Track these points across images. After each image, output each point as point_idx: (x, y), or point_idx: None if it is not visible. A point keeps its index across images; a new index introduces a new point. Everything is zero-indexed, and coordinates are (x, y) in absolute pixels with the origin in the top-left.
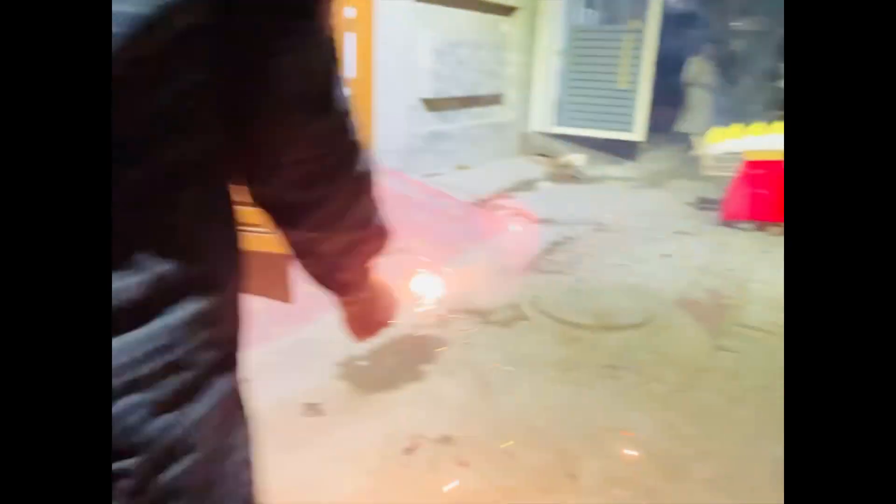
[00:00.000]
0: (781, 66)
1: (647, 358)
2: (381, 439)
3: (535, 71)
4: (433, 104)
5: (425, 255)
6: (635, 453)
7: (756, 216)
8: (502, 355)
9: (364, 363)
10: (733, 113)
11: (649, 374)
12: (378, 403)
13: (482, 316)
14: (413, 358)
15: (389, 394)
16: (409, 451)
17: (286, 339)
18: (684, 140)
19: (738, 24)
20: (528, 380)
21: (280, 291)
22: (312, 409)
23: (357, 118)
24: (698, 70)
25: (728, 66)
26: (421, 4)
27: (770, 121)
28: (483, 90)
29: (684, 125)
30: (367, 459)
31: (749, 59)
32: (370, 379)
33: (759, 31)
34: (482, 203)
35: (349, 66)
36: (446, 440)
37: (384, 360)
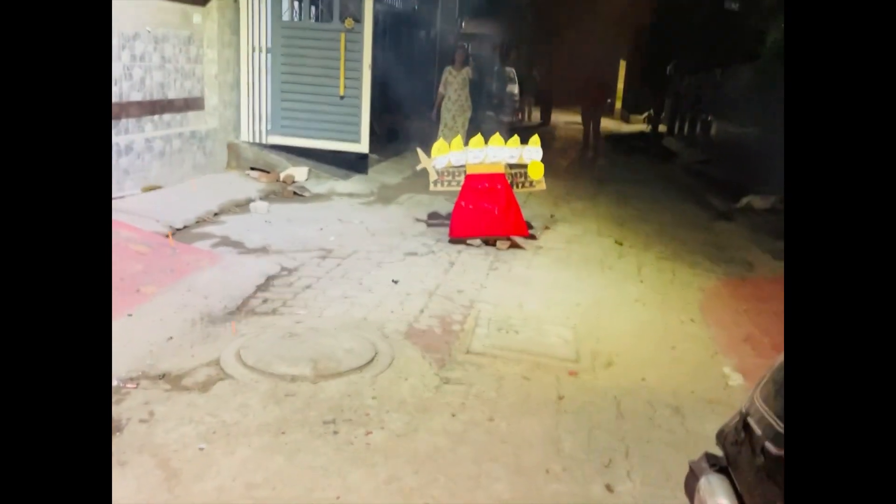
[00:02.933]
0: (512, 70)
1: (371, 404)
2: None
3: (242, 71)
4: None
5: None
6: None
7: (482, 232)
8: (196, 429)
9: None
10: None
11: (373, 423)
12: None
13: (171, 381)
14: None
15: None
16: None
17: None
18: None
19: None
20: (229, 456)
21: None
22: None
23: None
24: (449, 78)
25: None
26: None
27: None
28: (173, 93)
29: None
30: None
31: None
32: None
33: (485, 35)
34: (178, 232)
35: None
36: None
37: None
